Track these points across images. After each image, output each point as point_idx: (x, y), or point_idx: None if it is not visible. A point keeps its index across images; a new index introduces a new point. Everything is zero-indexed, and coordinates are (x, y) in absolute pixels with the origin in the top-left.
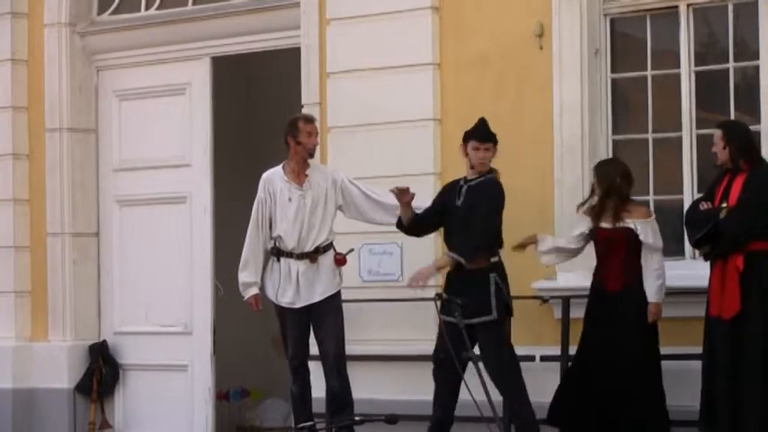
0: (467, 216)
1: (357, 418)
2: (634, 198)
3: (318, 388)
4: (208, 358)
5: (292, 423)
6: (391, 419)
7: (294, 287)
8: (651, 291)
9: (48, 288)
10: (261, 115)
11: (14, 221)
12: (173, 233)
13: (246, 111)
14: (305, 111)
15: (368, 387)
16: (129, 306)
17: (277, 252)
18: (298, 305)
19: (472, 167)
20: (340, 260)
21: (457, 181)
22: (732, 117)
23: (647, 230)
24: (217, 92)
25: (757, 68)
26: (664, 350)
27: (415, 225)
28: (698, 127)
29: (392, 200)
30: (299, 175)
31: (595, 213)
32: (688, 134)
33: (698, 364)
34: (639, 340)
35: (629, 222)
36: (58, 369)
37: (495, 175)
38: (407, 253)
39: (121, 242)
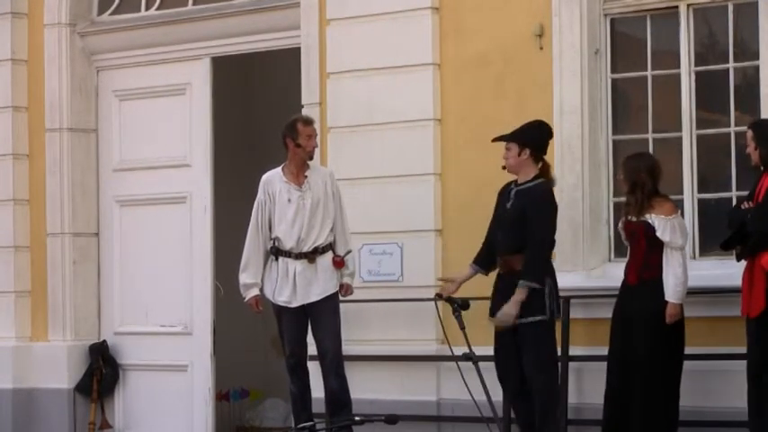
0: (515, 218)
1: (357, 418)
2: (663, 194)
3: (318, 388)
4: (208, 358)
5: (292, 423)
6: (391, 419)
7: (291, 286)
8: (668, 290)
9: (48, 288)
10: (261, 115)
11: (14, 221)
12: (173, 233)
13: (246, 111)
14: (305, 111)
15: (368, 387)
16: (129, 306)
17: (276, 251)
18: (294, 304)
19: None
20: (338, 262)
21: (508, 184)
22: (732, 117)
23: (665, 227)
24: (217, 92)
25: (757, 68)
26: None
27: (489, 259)
28: (698, 127)
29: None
30: (298, 176)
31: (624, 207)
32: (688, 134)
33: (700, 365)
34: (649, 337)
35: (649, 217)
36: (58, 369)
37: (543, 182)
38: (407, 253)
39: (121, 242)
